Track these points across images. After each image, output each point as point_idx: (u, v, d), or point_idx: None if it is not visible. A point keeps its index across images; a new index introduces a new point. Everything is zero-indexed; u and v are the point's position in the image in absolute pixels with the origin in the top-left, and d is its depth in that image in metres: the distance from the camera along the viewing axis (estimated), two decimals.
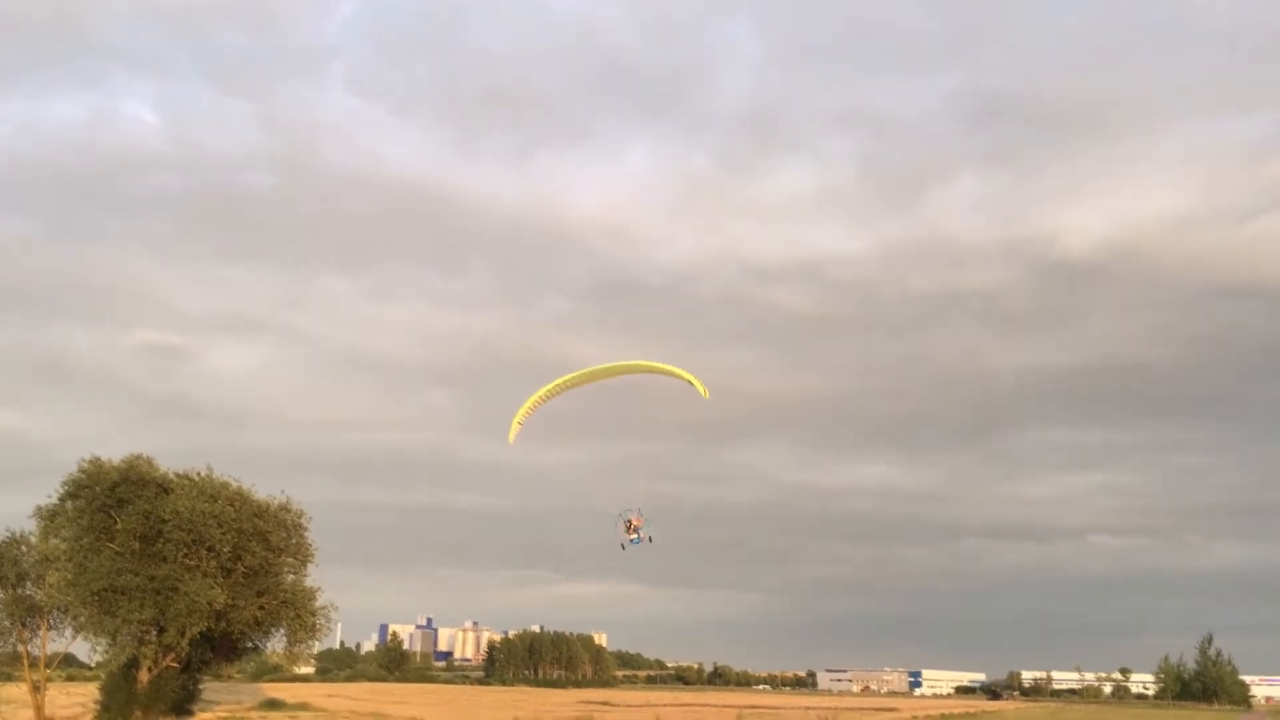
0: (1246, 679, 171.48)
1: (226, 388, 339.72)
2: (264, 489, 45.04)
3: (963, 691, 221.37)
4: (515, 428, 29.24)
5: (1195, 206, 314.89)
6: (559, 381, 28.20)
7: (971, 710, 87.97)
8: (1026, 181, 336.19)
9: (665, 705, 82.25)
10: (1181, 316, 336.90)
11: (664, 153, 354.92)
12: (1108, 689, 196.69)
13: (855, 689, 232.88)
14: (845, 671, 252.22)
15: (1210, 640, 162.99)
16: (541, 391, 28.57)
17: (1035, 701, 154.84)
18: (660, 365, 29.67)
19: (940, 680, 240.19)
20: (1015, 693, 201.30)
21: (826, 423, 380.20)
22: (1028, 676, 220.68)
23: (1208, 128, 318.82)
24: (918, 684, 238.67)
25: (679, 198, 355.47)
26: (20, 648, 42.37)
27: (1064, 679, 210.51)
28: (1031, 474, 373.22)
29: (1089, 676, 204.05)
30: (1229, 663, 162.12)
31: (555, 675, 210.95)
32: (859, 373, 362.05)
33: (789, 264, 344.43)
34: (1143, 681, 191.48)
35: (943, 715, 72.18)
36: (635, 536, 27.01)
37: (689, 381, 29.20)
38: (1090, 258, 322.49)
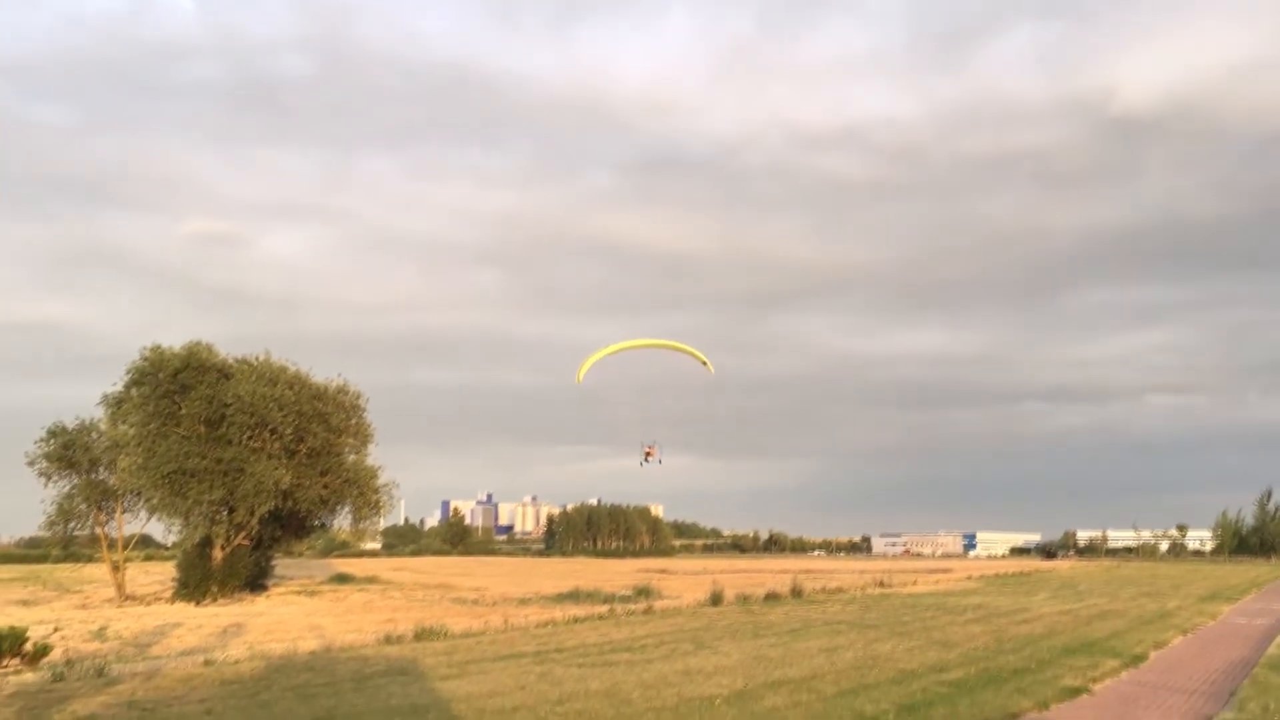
0: None
1: (277, 273, 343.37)
2: (320, 372, 45.97)
3: (1017, 552, 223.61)
4: (583, 371, 31.74)
5: (1261, 52, 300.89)
6: (600, 354, 31.43)
7: (1025, 569, 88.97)
8: (1083, 32, 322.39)
9: (722, 571, 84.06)
10: (1242, 168, 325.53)
11: (704, 15, 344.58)
12: (1164, 546, 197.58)
13: (922, 550, 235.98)
14: (899, 535, 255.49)
15: (1269, 495, 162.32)
16: (595, 356, 31.52)
17: (1090, 560, 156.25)
18: (674, 343, 33.40)
19: (995, 542, 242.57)
20: (1070, 552, 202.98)
21: (875, 290, 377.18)
22: (1083, 536, 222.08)
23: None
24: (972, 546, 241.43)
25: (721, 64, 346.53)
26: (98, 530, 44.08)
27: (1120, 538, 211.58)
28: (1088, 335, 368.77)
29: (1145, 534, 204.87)
30: None
31: (614, 546, 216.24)
32: (908, 239, 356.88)
33: (835, 129, 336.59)
34: (1200, 538, 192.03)
35: (996, 574, 73.06)
36: (649, 459, 33.19)
37: (701, 361, 32.25)
38: (1149, 111, 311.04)
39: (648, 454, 33.34)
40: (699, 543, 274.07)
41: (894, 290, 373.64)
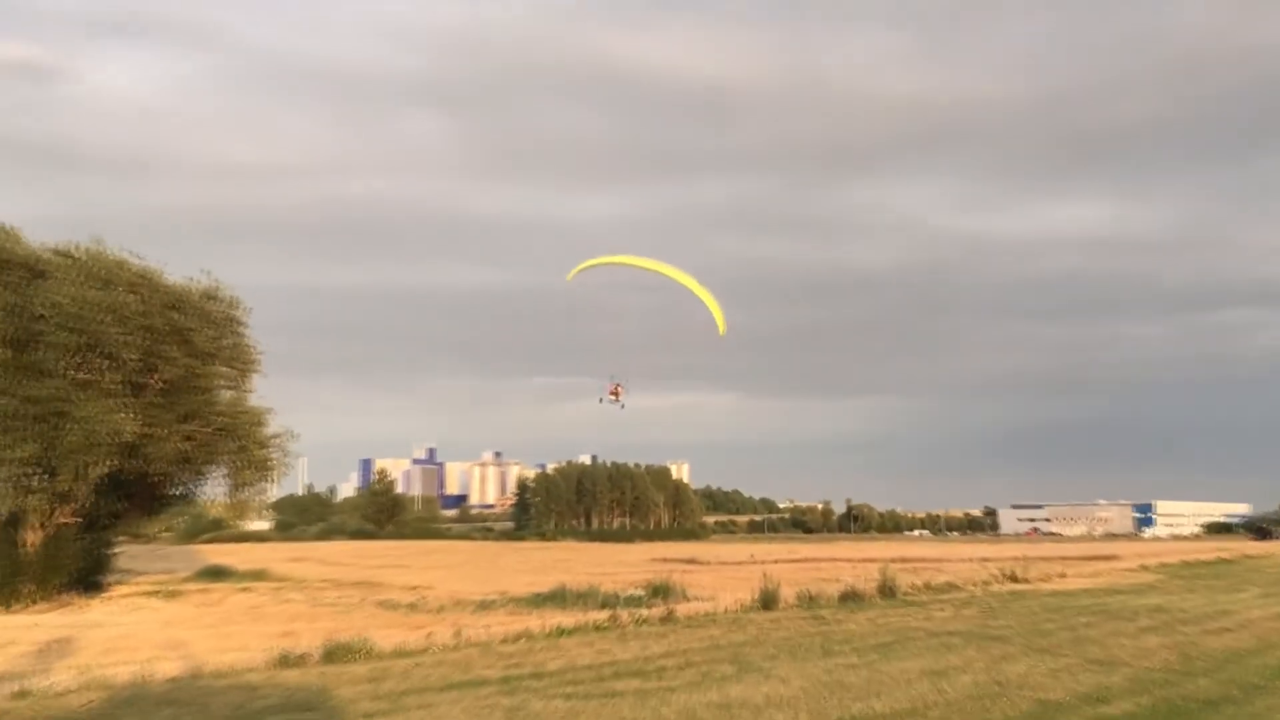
0: None
1: (115, 121, 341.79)
2: (179, 269, 45.83)
3: (1214, 530, 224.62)
4: (575, 271, 32.77)
5: None
6: (603, 260, 32.59)
7: (1227, 554, 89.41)
8: None
9: (776, 561, 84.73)
10: None
11: None
12: None
13: (1065, 530, 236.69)
14: (1040, 508, 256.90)
15: None
16: (596, 260, 32.57)
17: None
18: (690, 281, 34.08)
19: (1181, 516, 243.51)
20: None
21: (1005, 140, 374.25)
22: None
23: None
24: (1148, 522, 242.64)
25: None
26: None
27: None
28: None
29: None
30: None
31: (617, 524, 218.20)
32: (1058, 64, 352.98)
33: None
34: None
35: (1183, 562, 73.54)
36: (613, 399, 35.83)
37: (714, 315, 33.04)
38: None
39: (613, 393, 34.23)
40: (742, 519, 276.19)
41: (1036, 142, 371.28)
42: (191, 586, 52.87)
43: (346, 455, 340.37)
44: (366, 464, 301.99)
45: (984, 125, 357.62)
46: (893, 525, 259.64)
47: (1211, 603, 39.42)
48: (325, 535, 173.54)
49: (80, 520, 43.28)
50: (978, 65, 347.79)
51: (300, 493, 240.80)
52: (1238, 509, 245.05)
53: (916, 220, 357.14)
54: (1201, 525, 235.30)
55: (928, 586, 46.04)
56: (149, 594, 47.49)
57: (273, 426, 46.30)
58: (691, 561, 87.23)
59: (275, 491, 52.02)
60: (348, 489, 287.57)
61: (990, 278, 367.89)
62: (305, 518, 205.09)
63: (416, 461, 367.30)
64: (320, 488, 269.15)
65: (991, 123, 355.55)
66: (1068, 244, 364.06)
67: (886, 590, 42.22)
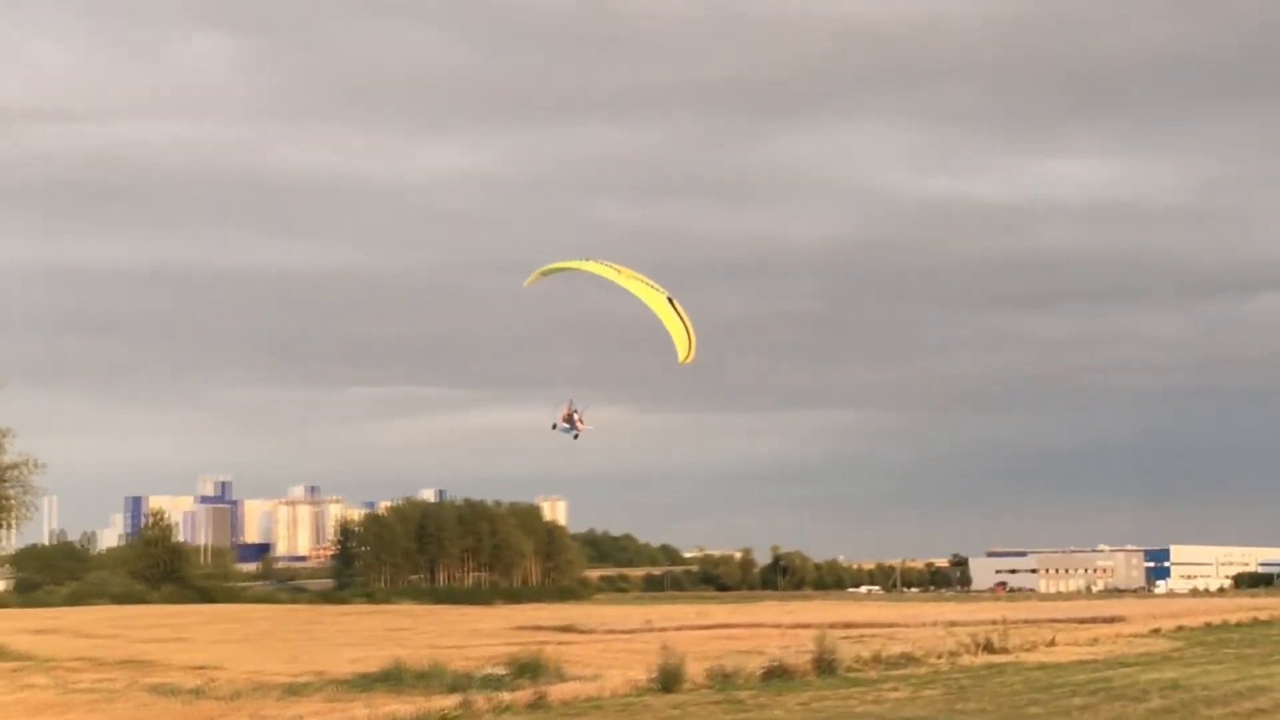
0: None
1: None
2: None
3: (1246, 583, 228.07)
4: (533, 278, 34.11)
5: None
6: (577, 264, 36.32)
7: (1261, 614, 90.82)
8: None
9: (680, 627, 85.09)
10: None
11: None
12: None
13: (1049, 585, 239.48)
14: (1024, 555, 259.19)
15: None
16: (567, 263, 34.16)
17: None
18: (662, 302, 36.62)
19: (1204, 565, 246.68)
20: None
21: (982, 76, 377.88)
22: None
23: None
24: (1163, 573, 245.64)
25: None
26: None
27: None
28: None
29: None
30: None
31: (471, 581, 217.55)
32: None
33: None
34: None
35: (1208, 624, 74.74)
36: (567, 426, 36.67)
37: (681, 343, 34.53)
38: None
39: (569, 418, 34.83)
40: (636, 573, 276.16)
41: (1022, 79, 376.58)
42: None
43: (109, 492, 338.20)
44: (136, 503, 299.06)
45: (953, 57, 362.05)
46: (833, 580, 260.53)
47: (1243, 677, 40.08)
48: (80, 598, 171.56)
49: None
50: None
51: (46, 542, 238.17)
52: (1276, 555, 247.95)
53: (865, 181, 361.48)
54: (1230, 576, 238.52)
55: (878, 659, 46.49)
56: None
57: (9, 454, 45.82)
58: (569, 629, 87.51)
59: (13, 540, 51.45)
60: (111, 536, 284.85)
61: (963, 256, 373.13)
62: (53, 575, 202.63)
63: (203, 500, 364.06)
64: (74, 535, 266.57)
65: (964, 53, 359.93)
66: (1063, 212, 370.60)
67: (824, 665, 42.54)
